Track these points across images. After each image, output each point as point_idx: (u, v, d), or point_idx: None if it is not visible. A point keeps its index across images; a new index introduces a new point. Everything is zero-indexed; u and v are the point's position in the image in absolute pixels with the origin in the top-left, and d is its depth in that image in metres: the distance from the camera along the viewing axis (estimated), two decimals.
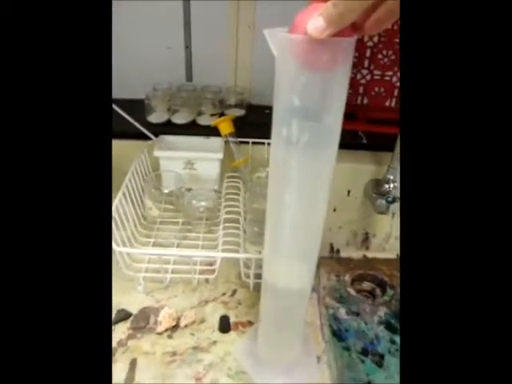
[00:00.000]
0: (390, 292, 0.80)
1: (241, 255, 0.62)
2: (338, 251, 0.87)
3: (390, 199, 0.71)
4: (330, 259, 0.86)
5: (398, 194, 0.72)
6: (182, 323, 0.60)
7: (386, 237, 0.87)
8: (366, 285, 0.84)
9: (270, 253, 0.48)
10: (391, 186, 0.73)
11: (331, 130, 0.39)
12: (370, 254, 0.88)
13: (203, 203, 0.71)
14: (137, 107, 0.83)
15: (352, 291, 0.80)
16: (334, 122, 0.38)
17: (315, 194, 0.43)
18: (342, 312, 0.76)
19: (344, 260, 0.86)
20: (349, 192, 0.82)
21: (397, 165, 0.73)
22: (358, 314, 0.76)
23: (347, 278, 0.83)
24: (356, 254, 0.87)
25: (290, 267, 0.48)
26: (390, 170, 0.74)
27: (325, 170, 0.41)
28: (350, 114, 0.89)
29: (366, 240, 0.87)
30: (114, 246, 0.59)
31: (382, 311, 0.76)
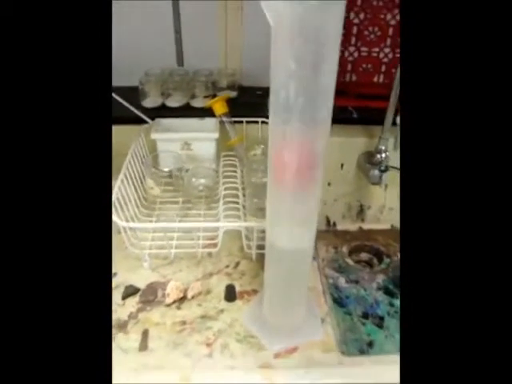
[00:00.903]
0: (386, 260, 0.83)
1: (243, 224, 0.64)
2: (334, 224, 0.89)
3: (382, 168, 0.74)
4: (327, 232, 0.89)
5: (390, 163, 0.75)
6: (189, 294, 0.62)
7: (381, 208, 0.89)
8: (364, 255, 0.87)
9: (272, 219, 0.50)
10: (383, 155, 0.76)
11: (326, 92, 0.41)
12: (365, 226, 0.90)
13: (202, 181, 0.73)
14: (130, 94, 0.84)
15: (350, 261, 0.83)
16: (329, 83, 0.41)
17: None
18: (341, 281, 0.78)
19: (340, 233, 0.89)
20: (342, 165, 0.85)
21: (388, 135, 0.76)
22: (357, 282, 0.78)
23: (344, 249, 0.85)
24: (352, 227, 0.90)
25: (292, 230, 0.51)
26: (382, 141, 0.76)
27: (321, 135, 0.43)
28: (340, 91, 0.91)
29: (361, 212, 0.90)
30: (118, 222, 0.60)
31: (380, 278, 0.79)
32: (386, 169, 0.74)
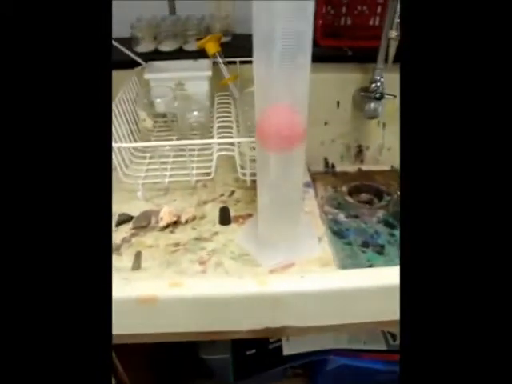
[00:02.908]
0: (386, 198, 0.82)
1: (236, 139, 0.63)
2: (333, 166, 0.88)
3: (377, 96, 0.72)
4: (326, 174, 0.87)
5: (384, 90, 0.73)
6: (183, 219, 0.62)
7: (379, 148, 0.88)
8: (363, 196, 0.85)
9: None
10: (378, 84, 0.74)
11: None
12: (364, 167, 0.89)
13: (195, 113, 0.72)
14: (122, 42, 0.84)
15: (350, 200, 0.82)
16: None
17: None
18: (341, 216, 0.77)
19: (340, 174, 0.87)
20: (338, 103, 0.83)
21: (383, 65, 0.74)
22: (356, 217, 0.77)
23: (344, 188, 0.84)
24: (351, 168, 0.89)
25: None
26: (376, 72, 0.75)
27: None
28: (336, 34, 0.90)
29: (359, 153, 0.88)
30: (114, 144, 0.60)
31: (380, 213, 0.78)
32: (382, 96, 0.73)
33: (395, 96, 0.74)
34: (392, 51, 0.64)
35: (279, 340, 0.92)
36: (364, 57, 0.84)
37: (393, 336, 0.97)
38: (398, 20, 0.59)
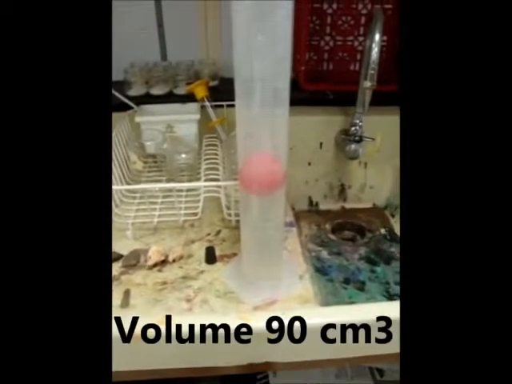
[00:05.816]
0: (369, 235, 0.85)
1: (222, 183, 0.66)
2: (316, 204, 0.91)
3: (357, 139, 0.77)
4: (310, 212, 0.91)
5: (363, 133, 0.77)
6: (171, 258, 0.64)
7: (361, 187, 0.91)
8: (347, 233, 0.88)
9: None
10: (357, 127, 0.78)
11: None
12: (347, 205, 0.92)
13: (184, 156, 0.75)
14: (115, 86, 0.88)
15: (333, 237, 0.84)
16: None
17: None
18: (324, 253, 0.80)
19: (323, 212, 0.91)
20: (321, 144, 0.87)
21: (361, 109, 0.79)
22: (339, 254, 0.80)
23: (328, 226, 0.87)
24: (334, 206, 0.92)
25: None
26: (356, 115, 0.79)
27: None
28: (318, 78, 0.95)
29: (342, 192, 0.92)
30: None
31: (362, 250, 0.81)
32: (361, 139, 0.77)
33: (373, 139, 0.78)
34: (367, 99, 0.68)
35: (266, 376, 0.93)
36: (345, 100, 0.88)
37: (380, 372, 0.98)
38: (372, 71, 0.63)
